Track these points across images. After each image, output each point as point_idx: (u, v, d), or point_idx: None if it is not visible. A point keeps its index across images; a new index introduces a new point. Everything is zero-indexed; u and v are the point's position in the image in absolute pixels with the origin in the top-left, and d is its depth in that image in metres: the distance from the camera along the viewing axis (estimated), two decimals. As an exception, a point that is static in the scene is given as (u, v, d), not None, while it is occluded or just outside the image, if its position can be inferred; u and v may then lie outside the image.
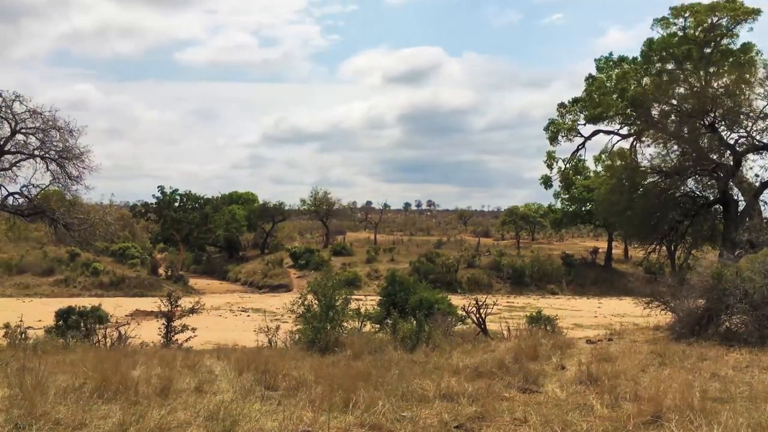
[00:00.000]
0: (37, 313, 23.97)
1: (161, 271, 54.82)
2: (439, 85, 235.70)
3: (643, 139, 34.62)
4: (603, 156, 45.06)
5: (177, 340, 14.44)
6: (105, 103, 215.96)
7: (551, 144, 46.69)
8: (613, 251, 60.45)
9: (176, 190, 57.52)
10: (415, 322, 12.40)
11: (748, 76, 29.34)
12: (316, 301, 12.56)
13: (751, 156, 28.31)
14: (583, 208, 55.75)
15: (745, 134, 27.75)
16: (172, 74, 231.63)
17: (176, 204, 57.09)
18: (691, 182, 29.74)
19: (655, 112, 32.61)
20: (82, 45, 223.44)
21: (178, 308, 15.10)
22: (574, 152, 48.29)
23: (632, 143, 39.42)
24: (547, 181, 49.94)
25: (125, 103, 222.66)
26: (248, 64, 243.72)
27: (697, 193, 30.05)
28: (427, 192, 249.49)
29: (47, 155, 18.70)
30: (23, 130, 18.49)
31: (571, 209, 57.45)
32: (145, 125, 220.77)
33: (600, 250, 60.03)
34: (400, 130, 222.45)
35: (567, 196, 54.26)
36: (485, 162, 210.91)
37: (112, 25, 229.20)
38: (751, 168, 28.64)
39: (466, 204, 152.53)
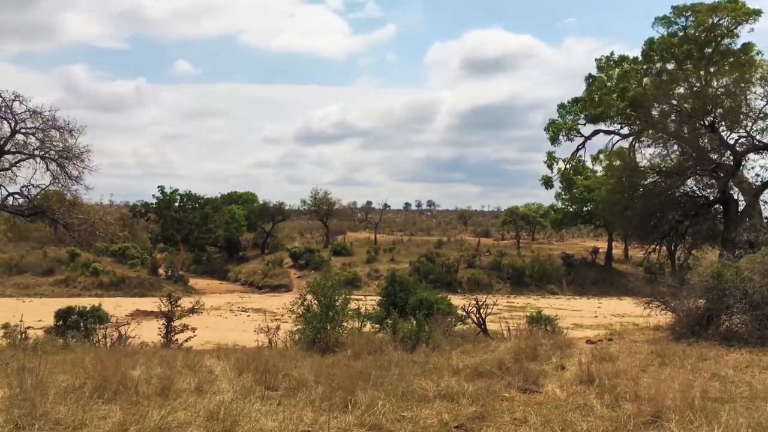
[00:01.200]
0: (37, 313, 23.97)
1: (161, 271, 54.82)
2: (524, 74, 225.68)
3: (643, 139, 34.63)
4: (601, 156, 45.14)
5: (177, 340, 14.43)
6: (153, 97, 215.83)
7: (552, 144, 46.73)
8: (613, 251, 60.45)
9: (176, 190, 57.58)
10: (415, 322, 12.40)
11: (748, 76, 29.36)
12: (316, 301, 12.55)
13: (751, 156, 28.33)
14: (584, 208, 55.77)
15: (745, 134, 27.77)
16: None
17: (176, 204, 57.08)
18: (690, 182, 29.75)
19: (655, 112, 32.61)
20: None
21: (178, 308, 15.09)
22: (574, 152, 48.32)
23: (632, 143, 39.45)
24: (547, 182, 49.98)
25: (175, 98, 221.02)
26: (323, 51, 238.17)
27: (697, 193, 30.07)
28: (447, 191, 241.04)
29: (47, 155, 18.72)
30: (23, 130, 18.50)
31: (571, 209, 57.48)
32: (189, 123, 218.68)
33: (600, 250, 60.03)
34: (450, 126, 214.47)
35: (568, 196, 54.29)
36: (525, 160, 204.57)
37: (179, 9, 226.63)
38: (751, 168, 28.67)
39: (488, 204, 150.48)
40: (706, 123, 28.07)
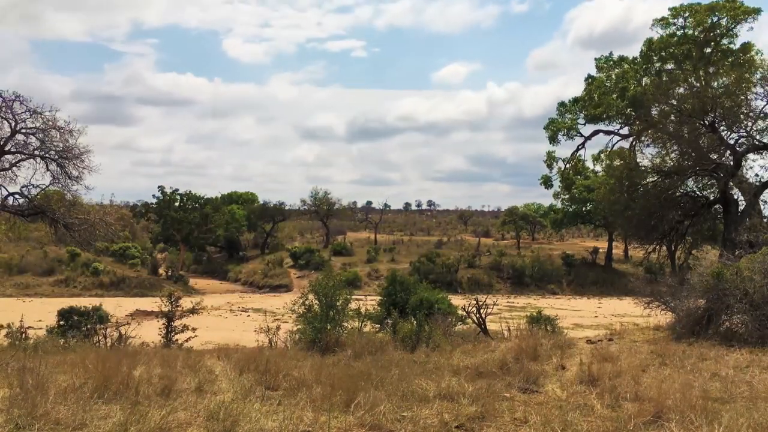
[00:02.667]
0: (37, 313, 23.96)
1: (161, 271, 54.81)
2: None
3: (643, 139, 34.62)
4: (602, 155, 45.18)
5: (177, 340, 14.43)
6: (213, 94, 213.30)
7: (551, 144, 46.80)
8: (614, 251, 60.44)
9: (176, 189, 57.63)
10: (415, 322, 12.40)
11: (748, 75, 29.36)
12: (316, 301, 12.55)
13: (751, 156, 28.29)
14: (584, 208, 55.76)
15: (745, 134, 27.73)
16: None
17: (176, 204, 57.10)
18: (690, 182, 29.70)
19: (654, 112, 32.59)
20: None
21: (179, 308, 15.09)
22: (574, 152, 48.38)
23: (632, 143, 39.46)
24: (546, 181, 49.99)
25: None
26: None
27: (697, 193, 30.03)
28: (472, 191, 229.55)
29: (47, 155, 18.68)
30: (23, 130, 18.47)
31: (571, 209, 57.48)
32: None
33: (600, 250, 60.00)
34: (517, 121, 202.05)
35: (567, 196, 54.28)
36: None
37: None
38: (751, 168, 28.64)
39: (514, 203, 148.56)
40: (706, 123, 28.05)
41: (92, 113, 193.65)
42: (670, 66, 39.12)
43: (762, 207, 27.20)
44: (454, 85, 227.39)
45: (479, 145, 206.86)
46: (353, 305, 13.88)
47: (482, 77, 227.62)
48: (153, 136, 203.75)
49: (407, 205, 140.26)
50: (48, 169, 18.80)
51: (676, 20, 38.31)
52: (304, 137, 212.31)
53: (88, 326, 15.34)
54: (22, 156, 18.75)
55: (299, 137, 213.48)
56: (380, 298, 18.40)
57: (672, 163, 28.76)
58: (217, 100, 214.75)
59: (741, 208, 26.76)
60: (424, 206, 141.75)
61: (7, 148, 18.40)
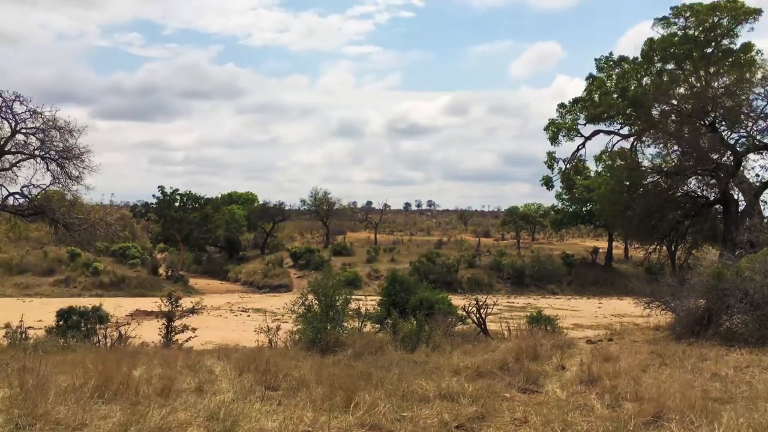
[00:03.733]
0: (37, 313, 23.94)
1: (161, 271, 54.73)
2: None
3: (644, 139, 34.65)
4: (604, 156, 45.20)
5: (177, 340, 14.43)
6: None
7: (551, 144, 46.83)
8: (614, 251, 60.41)
9: (176, 189, 57.67)
10: (415, 322, 12.40)
11: (749, 76, 29.37)
12: (316, 301, 12.55)
13: (751, 156, 28.32)
14: (584, 209, 55.76)
15: (746, 134, 27.76)
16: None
17: (176, 204, 57.12)
18: (691, 182, 29.72)
19: (655, 112, 32.62)
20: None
21: (179, 308, 15.09)
22: (574, 152, 48.42)
23: (633, 143, 39.49)
24: (548, 182, 50.00)
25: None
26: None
27: (698, 193, 30.04)
28: (489, 191, 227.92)
29: (47, 155, 18.72)
30: (23, 130, 18.50)
31: (571, 209, 57.50)
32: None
33: (600, 250, 59.96)
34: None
35: (568, 196, 54.30)
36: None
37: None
38: (751, 168, 28.66)
39: (527, 201, 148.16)
40: (707, 123, 28.06)
41: (123, 108, 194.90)
42: (670, 66, 39.11)
43: (762, 207, 27.23)
44: (519, 80, 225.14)
45: (520, 144, 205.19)
46: (353, 305, 13.89)
47: (557, 67, 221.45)
48: (178, 134, 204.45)
49: (407, 205, 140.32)
50: (48, 169, 18.85)
51: (677, 20, 38.28)
52: (337, 135, 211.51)
53: (88, 326, 15.33)
54: (23, 156, 18.79)
55: (333, 135, 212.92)
56: (380, 298, 18.38)
57: (673, 163, 28.78)
58: (252, 98, 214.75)
59: (741, 208, 26.77)
60: (424, 206, 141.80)
61: (7, 148, 18.44)
